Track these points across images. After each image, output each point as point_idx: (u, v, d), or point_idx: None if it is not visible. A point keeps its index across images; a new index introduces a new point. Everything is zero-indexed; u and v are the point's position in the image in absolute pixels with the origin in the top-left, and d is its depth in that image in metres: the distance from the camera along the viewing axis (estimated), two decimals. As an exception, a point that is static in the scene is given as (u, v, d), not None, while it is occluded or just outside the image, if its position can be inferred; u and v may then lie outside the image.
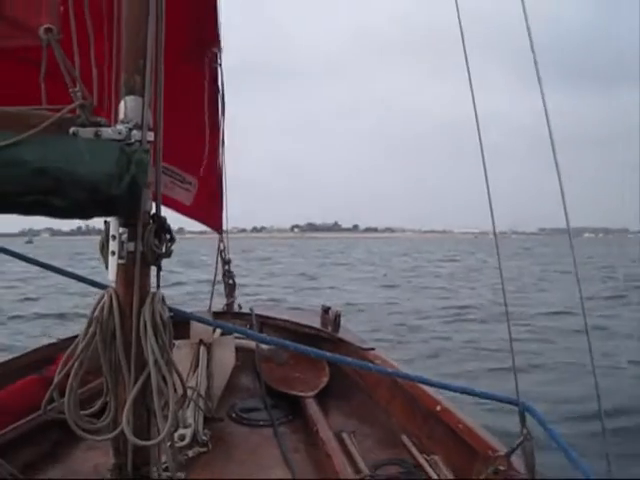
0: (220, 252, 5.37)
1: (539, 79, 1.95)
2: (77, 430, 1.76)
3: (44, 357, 3.56)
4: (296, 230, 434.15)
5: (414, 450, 3.04)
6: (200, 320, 3.07)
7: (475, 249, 75.65)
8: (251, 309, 5.29)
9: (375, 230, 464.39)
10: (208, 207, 4.84)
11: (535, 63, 1.94)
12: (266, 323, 5.09)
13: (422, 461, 2.88)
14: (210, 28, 3.97)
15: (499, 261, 2.27)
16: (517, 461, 2.15)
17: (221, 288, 5.53)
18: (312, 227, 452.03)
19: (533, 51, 1.95)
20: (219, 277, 5.39)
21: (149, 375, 1.74)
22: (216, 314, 4.97)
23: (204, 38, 3.98)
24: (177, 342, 3.75)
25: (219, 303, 5.48)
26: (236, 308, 5.47)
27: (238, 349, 4.08)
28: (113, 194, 1.57)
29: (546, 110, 1.94)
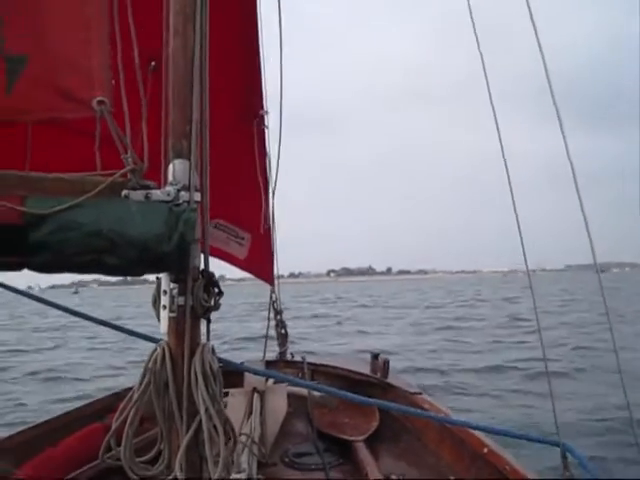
0: (272, 303, 5.48)
1: (559, 119, 2.01)
2: (133, 476, 1.85)
3: (107, 406, 3.66)
4: (332, 275, 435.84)
5: None
6: (251, 371, 3.17)
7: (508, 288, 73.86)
8: (303, 357, 5.35)
9: (408, 272, 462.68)
10: (259, 259, 4.97)
11: (554, 103, 2.01)
12: (317, 370, 5.16)
13: None
14: (257, 94, 4.15)
15: (533, 299, 2.30)
16: None
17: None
18: (347, 271, 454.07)
19: (553, 94, 2.01)
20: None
21: (201, 423, 1.82)
22: (269, 363, 5.06)
23: (252, 103, 4.16)
24: (232, 390, 3.85)
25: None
26: (288, 357, 5.54)
27: (291, 396, 4.15)
28: (163, 252, 1.68)
29: (567, 147, 2.00)
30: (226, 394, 3.81)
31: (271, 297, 5.43)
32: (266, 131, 4.36)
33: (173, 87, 1.90)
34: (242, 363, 4.34)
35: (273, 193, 4.70)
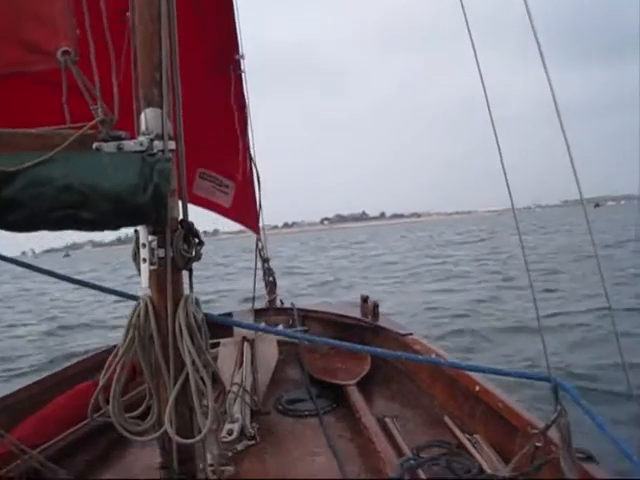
0: (259, 251, 5.46)
1: (541, 54, 1.96)
2: (123, 432, 1.84)
3: (97, 363, 3.63)
4: (325, 222, 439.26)
5: (456, 430, 3.08)
6: (236, 324, 3.15)
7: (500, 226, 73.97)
8: (292, 304, 5.37)
9: (402, 216, 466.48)
10: (245, 208, 4.94)
11: (537, 43, 1.96)
12: (308, 316, 5.17)
13: (464, 441, 2.92)
14: (231, 38, 4.06)
15: (520, 237, 2.28)
16: (554, 436, 2.17)
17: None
18: (341, 218, 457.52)
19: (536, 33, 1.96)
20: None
21: (188, 375, 1.80)
22: (259, 311, 5.06)
23: (226, 48, 4.06)
24: (222, 341, 3.84)
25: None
26: (278, 304, 5.55)
27: (281, 343, 4.15)
28: (138, 203, 1.64)
29: (551, 85, 1.96)
30: (217, 344, 3.82)
31: (257, 245, 5.41)
32: (243, 77, 4.28)
33: (140, 33, 1.84)
34: (230, 313, 4.33)
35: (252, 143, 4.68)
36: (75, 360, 4.07)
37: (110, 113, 1.76)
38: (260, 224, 5.25)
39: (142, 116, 1.82)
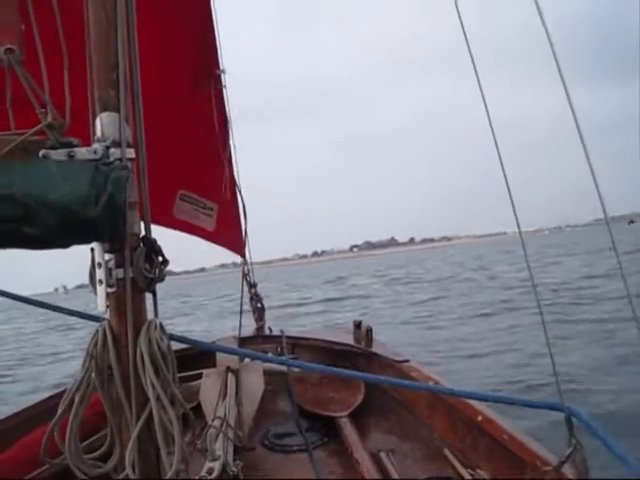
0: (245, 276, 5.28)
1: (561, 76, 1.81)
2: (80, 475, 1.64)
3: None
4: (355, 250, 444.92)
5: (458, 465, 2.87)
6: (219, 349, 2.95)
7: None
8: (281, 331, 5.17)
9: (432, 240, 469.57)
10: (229, 231, 4.78)
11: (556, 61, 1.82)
12: (297, 344, 4.95)
13: (467, 476, 2.71)
14: (210, 51, 3.94)
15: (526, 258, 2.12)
16: (569, 472, 1.98)
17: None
18: (370, 245, 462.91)
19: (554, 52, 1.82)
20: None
21: (152, 411, 1.60)
22: (245, 339, 4.86)
23: (205, 63, 3.94)
24: (205, 371, 3.65)
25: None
26: (267, 331, 5.34)
27: (269, 372, 3.95)
28: (90, 216, 1.44)
29: (571, 103, 1.80)
30: (200, 376, 3.62)
31: (243, 269, 5.23)
32: (225, 92, 4.13)
33: (94, 29, 1.66)
34: (213, 342, 4.12)
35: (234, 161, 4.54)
36: (35, 401, 3.79)
37: (60, 118, 1.57)
38: (246, 247, 5.08)
39: (97, 121, 1.64)
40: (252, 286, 5.37)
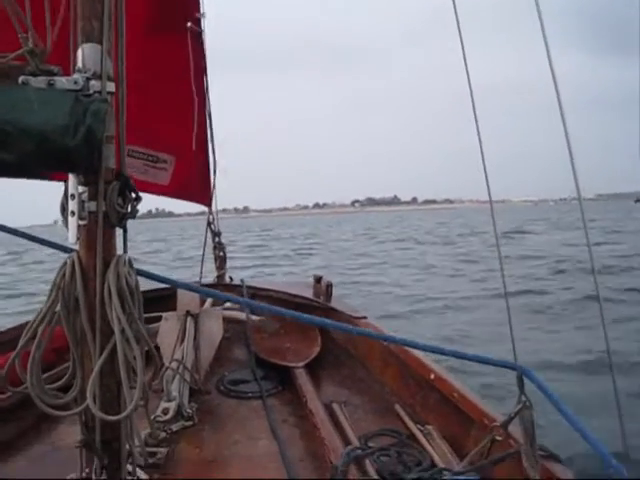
0: (209, 224, 5.28)
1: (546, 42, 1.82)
2: (40, 405, 1.65)
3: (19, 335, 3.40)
4: (356, 205, 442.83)
5: (407, 420, 2.95)
6: (185, 287, 2.95)
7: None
8: (242, 280, 5.19)
9: (434, 202, 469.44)
10: (192, 182, 4.70)
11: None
12: (257, 294, 4.98)
13: (415, 431, 2.79)
14: None
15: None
16: (515, 430, 2.05)
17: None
18: (372, 202, 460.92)
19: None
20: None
21: (116, 345, 1.62)
22: (205, 286, 4.87)
23: (181, 4, 3.84)
24: (164, 314, 3.66)
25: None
26: (227, 280, 5.36)
27: (228, 320, 3.98)
28: (67, 146, 1.42)
29: (553, 73, 1.81)
30: (159, 318, 3.63)
31: (208, 219, 5.22)
32: (204, 38, 4.04)
33: None
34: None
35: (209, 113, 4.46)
36: (3, 328, 3.80)
37: (41, 44, 1.55)
38: (213, 197, 5.04)
39: (79, 51, 1.61)
40: (216, 235, 5.37)
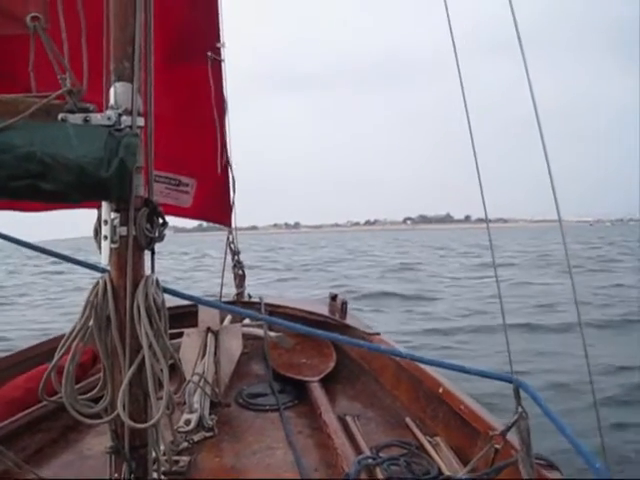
0: (229, 244, 5.43)
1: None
2: (74, 414, 1.78)
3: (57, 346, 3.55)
4: (408, 222, 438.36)
5: (417, 432, 3.07)
6: (207, 303, 3.11)
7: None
8: (260, 298, 5.34)
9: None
10: (213, 203, 4.85)
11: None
12: (275, 312, 5.13)
13: (424, 442, 2.91)
14: (209, 24, 3.99)
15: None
16: (515, 439, 2.16)
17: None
18: (424, 219, 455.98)
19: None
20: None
21: (144, 358, 1.76)
22: (225, 303, 5.01)
23: (202, 34, 3.99)
24: (186, 330, 3.80)
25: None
26: (246, 298, 5.51)
27: (246, 337, 4.13)
28: (102, 177, 1.58)
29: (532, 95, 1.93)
30: (181, 334, 3.77)
31: (228, 238, 5.38)
32: (223, 67, 4.20)
33: (114, 3, 1.79)
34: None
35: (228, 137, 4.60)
36: (37, 341, 3.99)
37: (78, 84, 1.71)
38: (232, 219, 5.18)
39: (111, 90, 1.77)
40: (235, 254, 5.53)
